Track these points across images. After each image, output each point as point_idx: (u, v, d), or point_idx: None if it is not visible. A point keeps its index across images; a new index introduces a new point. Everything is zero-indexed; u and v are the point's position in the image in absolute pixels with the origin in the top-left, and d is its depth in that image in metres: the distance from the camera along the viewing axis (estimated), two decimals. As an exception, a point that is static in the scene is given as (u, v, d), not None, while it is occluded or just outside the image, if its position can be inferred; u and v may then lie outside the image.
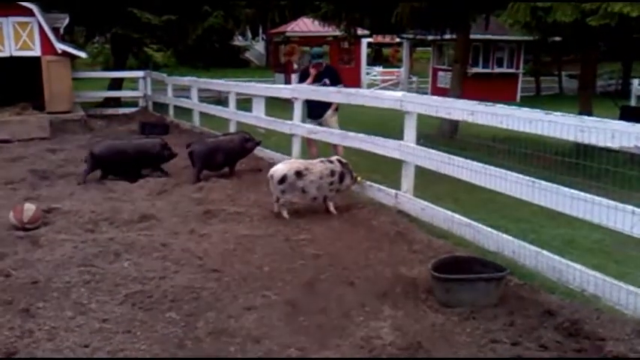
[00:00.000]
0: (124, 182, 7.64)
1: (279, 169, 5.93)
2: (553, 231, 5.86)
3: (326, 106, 8.03)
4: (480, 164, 4.79)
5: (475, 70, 23.61)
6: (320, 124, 7.93)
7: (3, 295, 3.98)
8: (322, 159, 6.27)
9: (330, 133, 7.32)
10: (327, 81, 8.11)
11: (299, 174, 5.88)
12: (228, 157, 7.84)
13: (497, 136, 6.94)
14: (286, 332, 3.58)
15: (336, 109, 8.27)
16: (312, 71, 8.24)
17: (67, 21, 14.82)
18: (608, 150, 3.96)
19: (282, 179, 5.83)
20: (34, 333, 3.50)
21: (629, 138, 3.59)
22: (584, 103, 13.18)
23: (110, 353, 3.30)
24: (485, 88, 20.89)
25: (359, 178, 6.35)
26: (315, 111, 8.09)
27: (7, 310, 3.79)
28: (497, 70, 24.84)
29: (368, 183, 6.56)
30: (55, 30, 13.35)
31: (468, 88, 14.35)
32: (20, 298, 3.95)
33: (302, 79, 8.52)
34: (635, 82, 18.63)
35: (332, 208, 6.06)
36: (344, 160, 6.26)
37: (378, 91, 7.25)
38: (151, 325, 3.64)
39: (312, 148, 8.17)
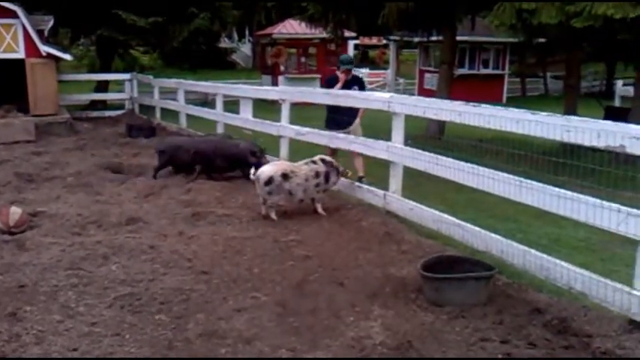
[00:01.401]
0: (110, 185, 7.59)
1: (266, 170, 5.92)
2: (540, 230, 5.92)
3: (355, 114, 7.74)
4: (468, 164, 4.82)
5: (461, 71, 23.73)
6: (348, 134, 7.35)
7: (-11, 300, 3.93)
8: (307, 160, 6.23)
9: (318, 135, 7.31)
10: (356, 88, 7.75)
11: (285, 176, 5.87)
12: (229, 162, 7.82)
13: (484, 137, 6.99)
14: (277, 333, 3.58)
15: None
16: (342, 77, 7.88)
17: (51, 23, 14.70)
18: (594, 149, 4.00)
19: (269, 181, 5.82)
20: (22, 337, 3.47)
21: (614, 137, 3.63)
22: (570, 103, 13.31)
23: (99, 357, 3.27)
24: (472, 89, 21.00)
25: (349, 173, 6.38)
26: (344, 120, 7.60)
27: (-6, 314, 3.75)
28: (483, 71, 25.01)
29: (357, 184, 6.57)
30: (40, 32, 13.23)
31: (454, 89, 14.42)
32: (7, 302, 3.91)
33: (328, 85, 8.05)
34: (619, 82, 18.83)
35: (320, 210, 6.06)
36: (328, 159, 6.24)
37: (366, 92, 7.23)
38: (140, 327, 3.62)
39: (357, 157, 7.63)
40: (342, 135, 6.89)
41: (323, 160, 6.17)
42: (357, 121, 7.82)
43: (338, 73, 8.07)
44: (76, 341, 3.43)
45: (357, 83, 8.02)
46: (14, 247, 5.05)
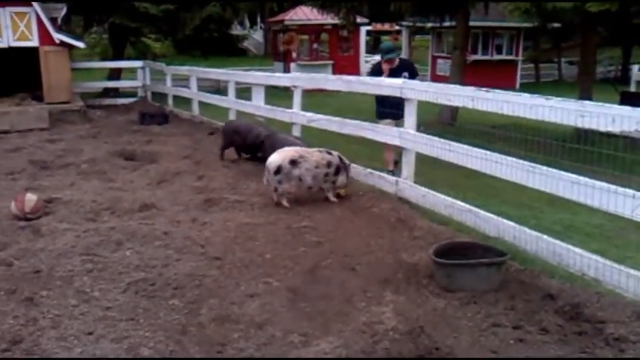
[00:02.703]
0: (124, 172, 7.66)
1: (274, 159, 5.87)
2: (553, 216, 5.89)
3: (398, 105, 6.96)
4: (481, 150, 4.79)
5: (474, 57, 23.56)
6: (398, 125, 6.62)
7: (6, 285, 3.99)
8: (321, 149, 6.16)
9: (329, 122, 7.29)
10: (406, 75, 7.22)
11: (294, 162, 5.82)
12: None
13: (497, 123, 6.95)
14: (289, 318, 3.60)
15: None
16: (385, 67, 7.50)
17: (64, 11, 14.77)
18: (609, 135, 3.96)
19: (278, 170, 5.80)
20: (38, 321, 3.52)
21: (629, 122, 3.59)
22: (584, 89, 13.18)
23: (114, 341, 3.32)
24: (485, 75, 20.86)
25: (342, 192, 6.15)
26: (397, 110, 6.72)
27: (11, 299, 3.80)
28: (496, 57, 24.83)
29: (369, 170, 6.56)
30: (53, 20, 13.31)
31: (467, 75, 14.32)
32: (23, 287, 3.97)
33: (373, 76, 7.55)
34: (635, 67, 18.58)
35: (332, 197, 6.04)
36: (346, 161, 6.12)
37: (377, 78, 7.16)
38: (154, 312, 3.66)
39: (389, 152, 7.46)
40: (354, 122, 6.84)
41: (340, 157, 6.07)
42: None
43: (382, 63, 7.62)
44: (91, 325, 3.48)
45: (406, 69, 7.42)
46: (30, 232, 5.11)
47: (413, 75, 7.46)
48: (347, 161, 6.13)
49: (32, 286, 3.99)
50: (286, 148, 6.15)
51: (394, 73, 7.23)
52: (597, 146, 4.57)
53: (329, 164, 5.96)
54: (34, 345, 3.26)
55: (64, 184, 6.95)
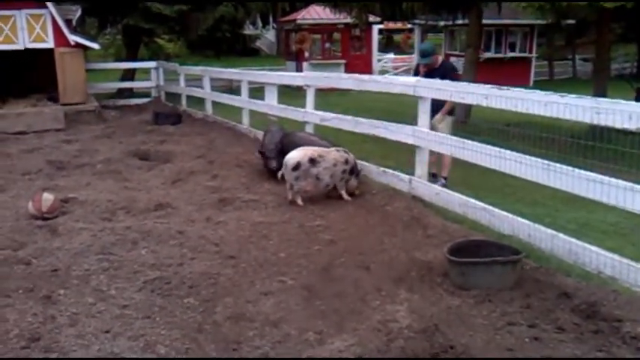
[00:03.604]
0: (138, 171, 7.72)
1: (293, 156, 5.94)
2: (568, 214, 5.85)
3: (440, 107, 6.64)
4: (495, 148, 4.77)
5: (488, 55, 23.43)
6: (430, 128, 6.17)
7: (24, 283, 4.05)
8: (338, 148, 6.23)
9: (342, 121, 7.28)
10: (437, 79, 6.52)
11: (313, 161, 5.89)
12: None
13: (511, 121, 6.91)
14: (304, 316, 3.61)
15: (451, 113, 6.99)
16: (421, 70, 7.21)
17: (79, 12, 14.90)
18: (624, 132, 3.93)
19: (296, 166, 5.84)
20: (57, 319, 3.57)
21: (646, 119, 3.56)
22: (599, 86, 13.05)
23: (131, 338, 3.35)
24: (498, 72, 20.74)
25: (357, 191, 6.21)
26: (433, 112, 6.34)
27: (29, 297, 3.86)
28: (509, 54, 24.66)
29: (382, 169, 6.55)
30: (68, 22, 13.44)
31: (480, 73, 14.25)
32: (41, 285, 4.02)
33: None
34: (651, 64, 18.38)
35: (345, 195, 6.07)
36: (360, 167, 6.32)
37: (390, 77, 7.13)
38: (170, 310, 3.69)
39: (444, 156, 6.75)
40: (367, 120, 6.80)
41: (354, 160, 6.21)
42: (438, 116, 6.73)
43: (420, 66, 7.34)
44: (108, 323, 3.52)
45: (439, 76, 6.67)
46: (47, 232, 5.18)
47: (444, 78, 6.54)
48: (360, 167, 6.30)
49: (50, 284, 4.05)
50: (306, 147, 6.18)
51: (429, 76, 6.81)
52: (613, 143, 4.54)
53: (347, 161, 6.05)
54: (53, 342, 3.31)
55: (79, 184, 7.02)
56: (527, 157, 4.44)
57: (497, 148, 4.74)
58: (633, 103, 3.76)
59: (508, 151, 4.64)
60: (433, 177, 6.89)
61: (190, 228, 5.22)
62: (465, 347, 3.19)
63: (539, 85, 21.66)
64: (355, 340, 3.33)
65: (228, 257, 4.53)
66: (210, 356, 3.21)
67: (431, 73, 6.95)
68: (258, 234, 5.03)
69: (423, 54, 7.19)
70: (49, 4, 12.23)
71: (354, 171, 6.12)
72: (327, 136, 7.32)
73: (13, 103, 12.45)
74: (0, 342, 3.31)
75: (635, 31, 21.71)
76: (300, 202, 5.91)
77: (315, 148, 6.21)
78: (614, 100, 3.83)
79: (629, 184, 3.65)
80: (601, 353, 3.13)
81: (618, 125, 3.72)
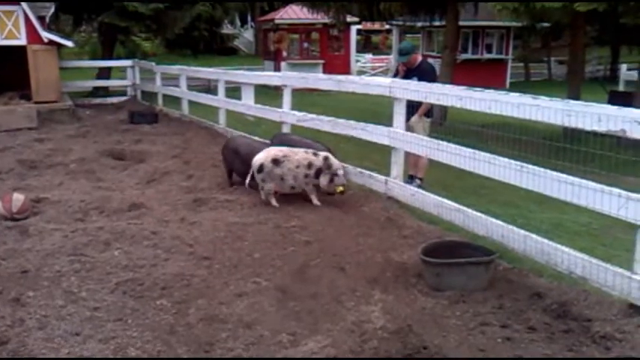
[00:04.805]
0: (113, 171, 7.63)
1: (258, 158, 5.86)
2: (541, 215, 5.92)
3: (414, 108, 6.60)
4: (469, 150, 4.81)
5: (464, 56, 23.64)
6: (407, 129, 6.21)
7: (-7, 285, 3.96)
8: (309, 150, 5.99)
9: (320, 121, 7.28)
10: (415, 79, 6.55)
11: (276, 161, 5.76)
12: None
13: (486, 122, 6.97)
14: (277, 318, 3.60)
15: (427, 115, 6.96)
16: (401, 69, 7.14)
17: (52, 9, 14.66)
18: (596, 134, 3.99)
19: (260, 168, 5.79)
20: (25, 322, 3.50)
21: (615, 121, 3.61)
22: (573, 88, 13.25)
23: (102, 341, 3.30)
24: (475, 74, 20.93)
25: (340, 189, 5.82)
26: (408, 114, 6.29)
27: (-3, 299, 3.78)
28: (486, 56, 24.91)
29: (359, 170, 6.55)
30: (41, 19, 13.21)
31: (457, 74, 14.37)
32: (10, 287, 3.94)
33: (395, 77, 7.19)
34: (624, 67, 18.74)
35: (315, 200, 5.89)
36: (333, 162, 5.82)
37: (367, 77, 7.14)
38: (142, 312, 3.64)
39: (420, 159, 6.78)
40: (344, 121, 6.81)
41: (326, 158, 5.82)
42: (415, 117, 6.70)
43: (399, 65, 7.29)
44: (78, 326, 3.46)
45: (417, 75, 6.75)
46: (17, 233, 5.08)
47: (423, 80, 6.37)
48: (335, 164, 5.83)
49: (19, 286, 3.97)
50: (273, 147, 6.12)
51: (407, 76, 6.87)
52: (585, 145, 4.60)
53: (309, 165, 5.77)
54: (21, 346, 3.24)
55: (52, 184, 6.91)
56: (501, 158, 4.48)
57: (471, 150, 4.78)
58: (603, 105, 3.82)
59: (482, 153, 4.68)
60: (411, 178, 6.92)
61: (164, 228, 5.16)
62: (438, 348, 3.21)
63: (515, 87, 21.94)
64: (329, 341, 3.33)
65: (202, 258, 4.49)
66: (182, 358, 3.18)
67: (410, 73, 6.95)
68: (233, 235, 5.00)
69: (401, 52, 7.19)
70: (21, 0, 12.01)
71: (319, 173, 5.77)
72: (306, 137, 7.30)
73: (-15, 101, 12.22)
74: (-34, 346, 3.23)
75: (609, 34, 22.11)
76: (274, 202, 5.88)
77: (283, 148, 6.01)
78: (584, 103, 3.89)
79: (599, 186, 3.70)
80: (571, 353, 3.18)
81: (588, 127, 3.78)
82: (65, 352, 3.19)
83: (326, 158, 5.84)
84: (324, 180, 5.80)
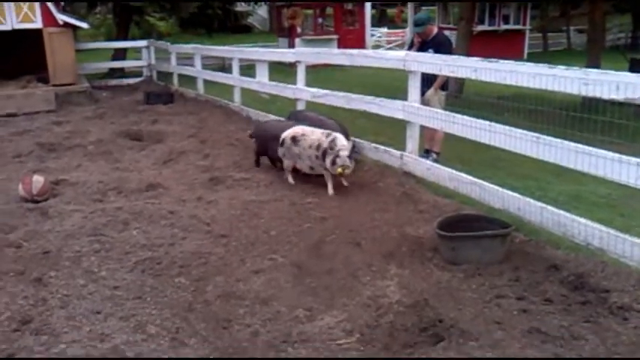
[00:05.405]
0: (130, 152, 7.69)
1: (285, 132, 5.87)
2: (559, 187, 5.86)
3: (430, 82, 6.48)
4: (484, 122, 4.76)
5: (481, 27, 23.25)
6: (423, 103, 6.18)
7: (16, 266, 4.04)
8: (325, 131, 5.71)
9: (334, 97, 7.24)
10: (431, 52, 6.46)
11: (294, 139, 5.70)
12: None
13: (503, 94, 6.87)
14: (294, 293, 3.63)
15: (443, 88, 6.81)
16: (416, 40, 7.04)
17: (67, -9, 14.66)
18: (615, 103, 3.92)
19: (282, 143, 5.80)
20: (48, 301, 3.57)
21: (634, 89, 3.55)
22: (593, 57, 12.97)
23: (122, 319, 3.36)
24: (492, 45, 20.63)
25: (339, 170, 5.36)
26: (422, 88, 6.20)
27: (20, 280, 3.86)
28: (503, 27, 24.47)
29: (374, 145, 6.52)
30: (56, 1, 13.22)
31: (474, 46, 14.15)
32: (32, 268, 4.02)
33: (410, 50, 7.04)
34: (645, 34, 18.26)
35: (330, 189, 5.57)
36: (340, 143, 5.41)
37: (381, 51, 7.06)
38: (160, 290, 3.70)
39: (436, 133, 6.68)
40: (358, 96, 6.77)
41: (333, 140, 5.47)
42: (430, 90, 6.59)
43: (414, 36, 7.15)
44: (99, 304, 3.53)
45: (433, 46, 6.63)
46: (38, 214, 5.16)
47: (439, 53, 6.31)
48: (338, 144, 5.41)
49: (41, 267, 4.05)
50: (299, 126, 5.95)
51: (421, 48, 6.78)
52: (607, 115, 4.51)
53: (318, 147, 5.54)
54: (44, 324, 3.31)
55: (70, 166, 6.99)
56: (516, 130, 4.43)
57: (487, 122, 4.73)
58: (621, 73, 3.74)
59: (497, 125, 4.63)
60: (427, 153, 6.88)
61: (181, 208, 5.21)
62: (454, 321, 3.21)
63: (534, 58, 21.53)
64: (345, 315, 3.36)
65: (219, 236, 4.54)
66: (201, 334, 3.23)
67: (425, 45, 6.86)
68: (250, 212, 5.03)
69: (417, 22, 7.08)
70: (36, -17, 12.03)
71: (325, 154, 5.45)
72: (320, 113, 7.27)
73: (3, 85, 12.32)
74: (-9, 325, 3.32)
75: (630, 1, 21.56)
76: (290, 179, 5.89)
77: (305, 127, 5.90)
78: (602, 71, 3.81)
79: (617, 155, 3.65)
80: (588, 324, 3.16)
81: (606, 96, 3.71)
82: (87, 329, 3.25)
83: (333, 139, 5.50)
84: (327, 162, 5.46)
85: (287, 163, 5.87)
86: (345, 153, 5.36)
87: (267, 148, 6.38)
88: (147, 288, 3.73)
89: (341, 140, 5.49)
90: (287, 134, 5.82)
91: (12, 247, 4.39)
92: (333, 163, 5.37)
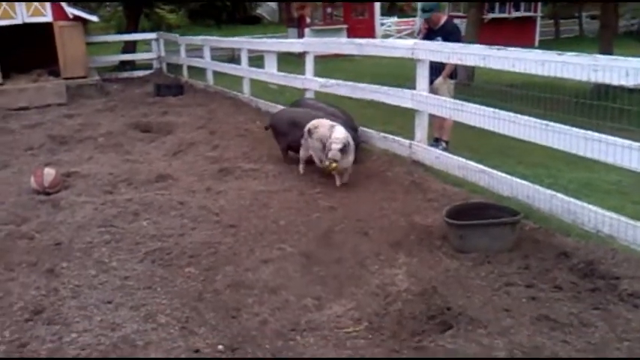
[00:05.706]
0: (140, 144, 7.73)
1: (309, 123, 5.71)
2: (570, 175, 5.82)
3: (439, 70, 6.47)
4: (492, 109, 4.73)
5: (492, 15, 23.05)
6: (432, 92, 6.14)
7: (28, 257, 4.10)
8: (334, 124, 5.51)
9: (343, 87, 7.21)
10: (439, 39, 6.45)
11: (310, 132, 5.62)
12: None
13: (514, 82, 6.82)
14: (302, 283, 3.65)
15: (452, 77, 6.77)
16: (423, 27, 7.03)
17: (77, -15, 14.70)
18: (625, 89, 3.88)
19: (304, 133, 5.73)
20: (59, 291, 3.62)
21: (644, 75, 3.51)
22: (605, 44, 12.84)
23: (132, 309, 3.40)
24: (502, 33, 20.41)
25: (327, 164, 5.18)
26: (431, 76, 6.12)
27: (33, 270, 3.91)
28: (514, 14, 24.25)
29: (382, 134, 6.51)
30: (66, -4, 13.28)
31: (484, 34, 14.06)
32: (44, 259, 4.07)
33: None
34: (659, 19, 18.00)
35: (337, 180, 5.47)
36: (342, 137, 5.17)
37: (390, 40, 7.03)
38: (170, 280, 3.73)
39: (445, 121, 6.65)
40: (367, 86, 6.75)
41: (336, 134, 5.22)
42: (439, 79, 6.56)
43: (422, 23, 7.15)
44: (110, 294, 3.57)
45: (441, 34, 6.60)
46: (50, 206, 5.21)
47: (448, 41, 6.09)
48: (333, 136, 5.21)
49: (53, 258, 4.09)
50: (321, 119, 5.76)
51: (429, 36, 6.74)
52: (617, 102, 4.47)
53: (321, 139, 5.41)
54: (56, 314, 3.36)
55: (81, 158, 7.05)
56: (525, 117, 4.40)
57: (494, 110, 4.70)
58: (630, 59, 3.69)
59: (505, 112, 4.59)
60: (436, 141, 6.86)
61: (191, 198, 5.24)
62: (462, 308, 3.21)
63: (545, 45, 21.36)
64: (353, 304, 3.37)
65: (228, 226, 4.56)
66: (210, 324, 3.25)
67: (433, 33, 6.82)
68: (259, 203, 5.05)
69: (424, 9, 7.04)
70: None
71: (324, 148, 5.27)
72: (321, 100, 7.27)
73: (15, 79, 12.40)
74: (4, 314, 3.37)
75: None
76: (300, 169, 5.89)
77: (323, 121, 5.65)
78: (611, 57, 3.78)
79: (628, 142, 3.62)
80: (598, 311, 3.14)
81: (615, 82, 3.67)
82: (98, 319, 3.29)
83: (332, 132, 5.27)
84: (325, 155, 5.26)
85: (303, 154, 5.84)
86: (336, 146, 5.04)
87: (288, 135, 6.18)
88: (157, 278, 3.76)
89: (337, 132, 5.23)
90: (308, 125, 5.66)
91: (24, 238, 4.45)
92: (327, 157, 5.14)
